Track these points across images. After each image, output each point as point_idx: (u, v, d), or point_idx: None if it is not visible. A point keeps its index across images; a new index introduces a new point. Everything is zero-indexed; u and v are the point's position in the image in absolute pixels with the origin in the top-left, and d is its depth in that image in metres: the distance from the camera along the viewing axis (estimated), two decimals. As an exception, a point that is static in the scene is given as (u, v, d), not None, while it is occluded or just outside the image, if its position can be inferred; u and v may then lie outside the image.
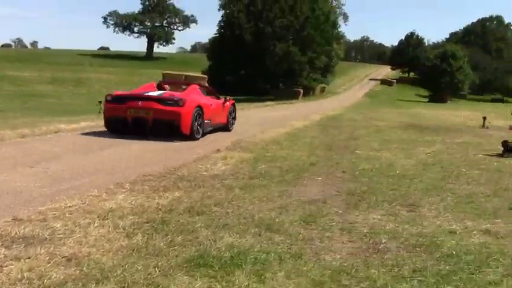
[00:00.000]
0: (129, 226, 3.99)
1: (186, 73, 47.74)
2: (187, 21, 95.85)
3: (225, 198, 5.10)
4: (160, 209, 4.56)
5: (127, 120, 10.11)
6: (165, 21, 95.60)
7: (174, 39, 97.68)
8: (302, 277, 3.08)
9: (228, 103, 12.87)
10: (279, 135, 11.70)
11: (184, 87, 12.53)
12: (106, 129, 10.48)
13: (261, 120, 17.37)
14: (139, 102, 10.24)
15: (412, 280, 3.02)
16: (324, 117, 20.62)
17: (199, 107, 10.60)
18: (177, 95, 10.73)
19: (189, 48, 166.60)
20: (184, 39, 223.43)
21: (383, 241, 3.80)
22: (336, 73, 65.74)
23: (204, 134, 10.78)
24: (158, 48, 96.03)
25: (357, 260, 3.39)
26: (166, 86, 12.62)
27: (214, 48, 50.49)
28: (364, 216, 4.57)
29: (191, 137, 10.18)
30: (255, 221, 4.26)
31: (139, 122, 10.10)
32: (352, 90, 70.09)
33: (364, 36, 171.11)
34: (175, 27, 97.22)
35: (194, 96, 11.05)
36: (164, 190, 5.38)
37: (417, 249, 3.62)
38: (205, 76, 48.14)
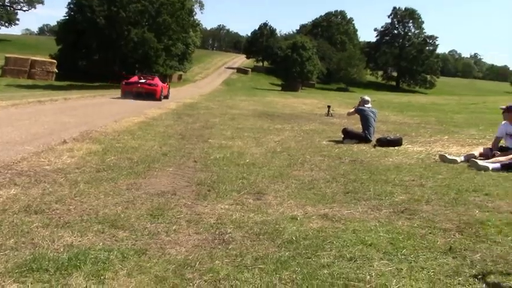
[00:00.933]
0: (-49, 231, 3.56)
1: (32, 57, 44.34)
2: (32, 1, 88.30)
3: (68, 194, 4.80)
4: (-9, 210, 4.14)
5: (133, 92, 23.44)
6: (6, 0, 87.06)
7: (18, 20, 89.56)
8: (145, 274, 3.00)
9: (167, 85, 27.72)
10: (132, 125, 11.40)
11: (150, 77, 25.88)
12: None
13: (114, 108, 16.82)
14: (139, 85, 24.19)
15: (254, 269, 3.11)
16: (180, 105, 20.55)
17: (161, 87, 24.62)
18: (152, 81, 24.64)
19: (36, 30, 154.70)
20: (30, 20, 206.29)
21: (228, 231, 3.86)
22: (193, 61, 65.86)
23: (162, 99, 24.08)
24: (0, 30, 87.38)
25: (201, 252, 3.39)
26: (142, 77, 25.82)
27: (64, 32, 47.36)
28: (212, 206, 4.61)
29: (159, 99, 23.22)
30: (99, 218, 4.07)
31: (139, 93, 23.33)
32: (209, 78, 70.84)
33: (220, 25, 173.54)
34: (18, 7, 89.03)
35: (158, 81, 25.06)
36: (-2, 188, 4.90)
37: (260, 237, 3.74)
38: (54, 61, 45.09)
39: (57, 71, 43.69)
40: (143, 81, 24.77)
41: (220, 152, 7.84)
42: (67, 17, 47.38)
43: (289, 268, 3.13)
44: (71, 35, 44.40)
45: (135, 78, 25.63)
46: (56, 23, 65.45)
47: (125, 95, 23.72)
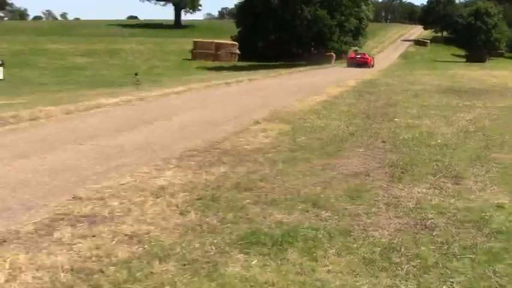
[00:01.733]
0: (181, 204, 4.11)
1: (216, 40, 47.69)
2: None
3: (269, 173, 5.16)
4: (208, 185, 4.65)
5: (355, 63, 38.58)
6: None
7: (200, 5, 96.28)
8: (352, 254, 3.13)
9: (373, 58, 42.55)
10: (316, 104, 11.68)
11: (362, 53, 43.86)
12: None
13: (295, 88, 17.34)
14: (357, 58, 41.05)
15: (463, 258, 3.06)
16: (360, 82, 20.34)
17: (370, 59, 41.17)
18: (365, 56, 42.18)
19: (216, 14, 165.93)
20: (211, 5, 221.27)
21: (430, 216, 3.83)
22: (367, 35, 64.36)
23: None
24: (185, 16, 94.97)
25: (405, 237, 3.43)
26: (357, 54, 43.96)
27: (243, 15, 49.98)
28: (408, 189, 4.58)
29: (369, 67, 37.20)
30: (301, 197, 4.33)
31: (358, 63, 38.31)
32: (385, 52, 68.64)
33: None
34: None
35: (368, 56, 42.50)
36: (210, 165, 5.47)
37: (465, 225, 3.64)
38: (236, 43, 47.90)
39: (239, 52, 46.37)
40: (359, 56, 41.36)
41: (408, 132, 7.69)
42: (243, 0, 49.80)
43: (503, 261, 3.01)
44: (249, 18, 46.64)
45: (353, 55, 42.65)
46: (233, 6, 69.17)
47: (349, 65, 38.34)
